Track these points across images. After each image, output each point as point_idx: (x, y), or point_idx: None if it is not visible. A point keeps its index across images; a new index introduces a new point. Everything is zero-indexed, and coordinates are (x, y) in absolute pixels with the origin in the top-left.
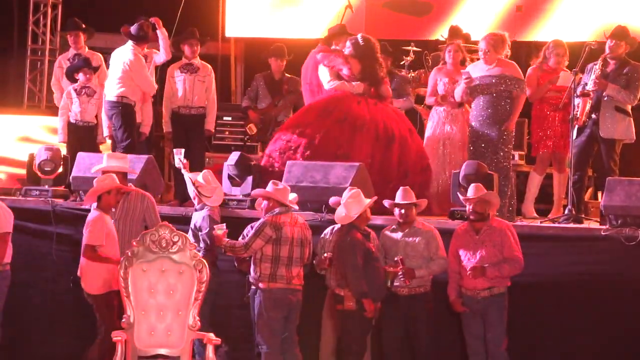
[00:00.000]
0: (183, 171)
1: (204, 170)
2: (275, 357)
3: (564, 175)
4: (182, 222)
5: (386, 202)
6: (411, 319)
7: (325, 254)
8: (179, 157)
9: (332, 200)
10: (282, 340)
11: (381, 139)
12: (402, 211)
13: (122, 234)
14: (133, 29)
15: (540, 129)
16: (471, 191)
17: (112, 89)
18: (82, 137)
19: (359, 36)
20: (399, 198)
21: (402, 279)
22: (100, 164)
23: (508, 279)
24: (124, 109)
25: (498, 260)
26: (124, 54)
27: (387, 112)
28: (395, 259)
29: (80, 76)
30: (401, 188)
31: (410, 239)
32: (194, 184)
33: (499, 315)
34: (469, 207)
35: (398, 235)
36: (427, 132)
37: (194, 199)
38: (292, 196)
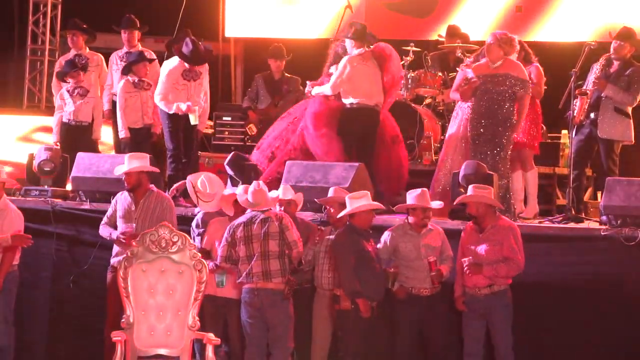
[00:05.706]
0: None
1: (203, 174)
2: (253, 357)
3: (532, 172)
4: (182, 222)
5: (409, 201)
6: (429, 319)
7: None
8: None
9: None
10: (271, 337)
11: None
12: (421, 214)
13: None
14: (185, 49)
15: None
16: (470, 192)
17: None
18: (76, 137)
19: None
20: (415, 200)
21: (434, 279)
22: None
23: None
24: (167, 118)
25: (497, 259)
26: (166, 66)
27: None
28: (430, 260)
29: (69, 79)
30: (420, 190)
31: (430, 240)
32: (194, 187)
33: (505, 314)
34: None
35: (416, 237)
36: (450, 129)
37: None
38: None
